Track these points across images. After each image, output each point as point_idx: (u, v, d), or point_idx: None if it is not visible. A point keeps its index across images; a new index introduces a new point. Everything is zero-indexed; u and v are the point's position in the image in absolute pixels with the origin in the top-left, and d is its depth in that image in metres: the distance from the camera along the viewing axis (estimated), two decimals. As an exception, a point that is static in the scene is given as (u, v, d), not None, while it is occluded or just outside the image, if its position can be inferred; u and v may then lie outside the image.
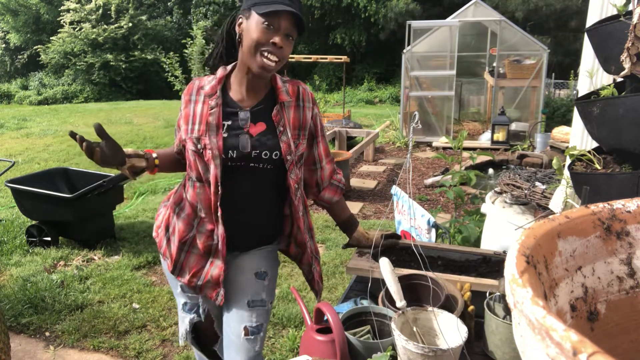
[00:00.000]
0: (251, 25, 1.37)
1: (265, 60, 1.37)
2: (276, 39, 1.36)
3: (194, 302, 1.61)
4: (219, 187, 1.43)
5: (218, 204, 1.45)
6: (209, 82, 1.49)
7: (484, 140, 7.81)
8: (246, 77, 1.46)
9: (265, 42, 1.36)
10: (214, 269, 1.50)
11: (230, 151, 1.43)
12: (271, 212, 1.58)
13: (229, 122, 1.45)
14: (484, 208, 2.90)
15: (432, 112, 8.08)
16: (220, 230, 1.46)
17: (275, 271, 1.65)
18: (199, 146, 1.43)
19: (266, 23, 1.35)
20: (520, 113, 8.04)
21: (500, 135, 7.49)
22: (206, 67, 1.69)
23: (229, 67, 1.50)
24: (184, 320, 1.62)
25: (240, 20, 1.42)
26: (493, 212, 2.75)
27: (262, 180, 1.51)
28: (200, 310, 1.62)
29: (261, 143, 1.45)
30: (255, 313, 1.50)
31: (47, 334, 2.76)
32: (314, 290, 1.71)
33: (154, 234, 1.65)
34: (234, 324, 1.49)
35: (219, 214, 1.45)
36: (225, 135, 1.43)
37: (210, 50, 1.63)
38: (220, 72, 1.49)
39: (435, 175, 5.95)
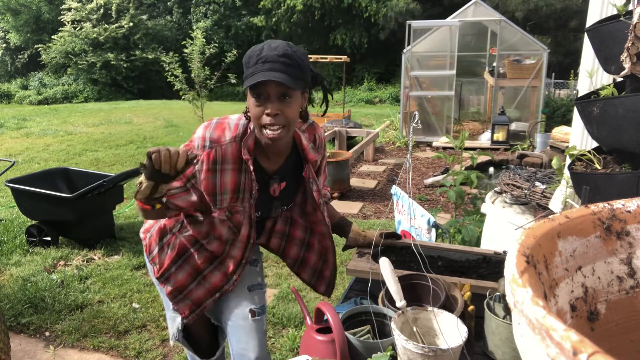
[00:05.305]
0: (248, 102, 1.34)
1: (268, 132, 1.32)
2: (268, 109, 1.30)
3: None
4: (250, 243, 1.53)
5: (247, 255, 1.54)
6: (230, 144, 1.38)
7: (484, 140, 7.81)
8: (267, 145, 1.41)
9: (261, 116, 1.31)
10: (199, 290, 1.55)
11: (256, 212, 1.51)
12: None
13: (257, 187, 1.46)
14: (484, 208, 2.90)
15: (432, 112, 8.07)
16: (237, 273, 1.55)
17: (261, 258, 1.77)
18: (227, 214, 1.44)
19: (255, 96, 1.30)
20: (520, 113, 8.04)
21: (500, 135, 7.48)
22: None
23: (252, 127, 1.40)
24: (175, 320, 1.64)
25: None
26: (493, 212, 2.76)
27: (271, 220, 1.67)
28: None
29: (284, 201, 1.57)
30: (256, 296, 1.60)
31: (47, 333, 2.76)
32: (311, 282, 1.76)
33: (141, 236, 1.64)
34: (240, 310, 1.56)
35: (245, 261, 1.55)
36: (254, 201, 1.47)
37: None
38: (249, 140, 1.40)
39: (435, 175, 5.95)
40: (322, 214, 1.61)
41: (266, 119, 1.31)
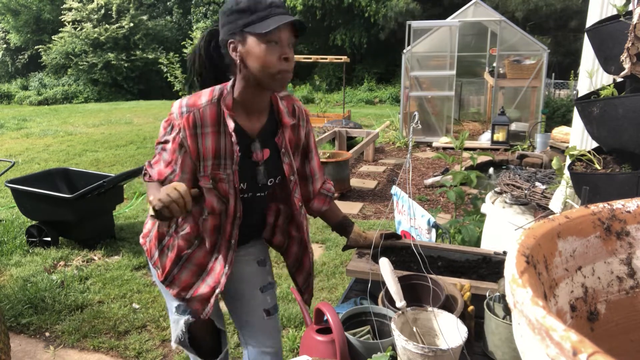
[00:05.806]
0: (253, 50, 1.28)
1: (284, 77, 1.31)
2: (286, 54, 1.28)
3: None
4: (237, 218, 1.47)
5: (234, 232, 1.49)
6: (207, 106, 1.36)
7: (484, 140, 7.81)
8: (250, 100, 1.39)
9: (277, 63, 1.28)
10: (205, 287, 1.54)
11: (241, 183, 1.45)
12: (264, 217, 1.66)
13: (240, 153, 1.41)
14: (484, 208, 2.90)
15: (432, 112, 8.08)
16: (230, 257, 1.50)
17: (269, 255, 1.75)
18: (211, 182, 1.41)
19: (267, 42, 1.26)
20: (520, 113, 8.04)
21: (500, 136, 7.49)
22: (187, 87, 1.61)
23: (228, 88, 1.39)
24: (179, 322, 1.63)
25: (233, 44, 1.31)
26: (493, 212, 2.76)
27: (262, 201, 1.59)
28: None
29: (269, 171, 1.49)
30: (269, 296, 1.62)
31: (47, 334, 2.76)
32: (298, 285, 1.71)
33: (141, 241, 1.64)
34: (254, 311, 1.58)
35: (233, 241, 1.50)
36: (237, 167, 1.41)
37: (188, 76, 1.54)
38: (227, 98, 1.37)
39: (435, 175, 5.95)
40: (294, 198, 1.55)
41: (284, 64, 1.29)
